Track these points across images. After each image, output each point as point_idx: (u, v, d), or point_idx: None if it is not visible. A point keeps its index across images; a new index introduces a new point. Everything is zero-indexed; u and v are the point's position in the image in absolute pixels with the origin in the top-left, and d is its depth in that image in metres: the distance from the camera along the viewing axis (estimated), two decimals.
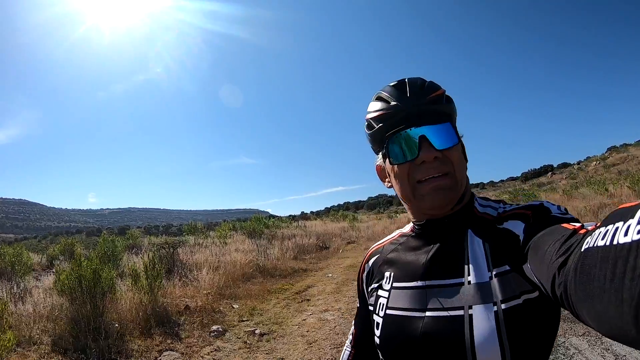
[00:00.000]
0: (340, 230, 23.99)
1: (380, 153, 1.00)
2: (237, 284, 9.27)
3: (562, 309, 0.73)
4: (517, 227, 0.82)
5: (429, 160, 0.88)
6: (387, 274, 1.04)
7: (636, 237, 0.40)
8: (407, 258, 1.01)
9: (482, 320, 0.78)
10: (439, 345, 0.83)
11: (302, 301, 8.00)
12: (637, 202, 0.45)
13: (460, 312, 0.82)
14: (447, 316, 0.84)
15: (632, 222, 0.42)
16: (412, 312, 0.91)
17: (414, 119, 0.91)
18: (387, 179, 1.03)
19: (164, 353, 4.99)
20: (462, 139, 0.98)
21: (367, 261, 1.17)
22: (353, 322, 1.26)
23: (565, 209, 0.82)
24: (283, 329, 6.16)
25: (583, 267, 0.49)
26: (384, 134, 0.95)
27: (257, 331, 5.93)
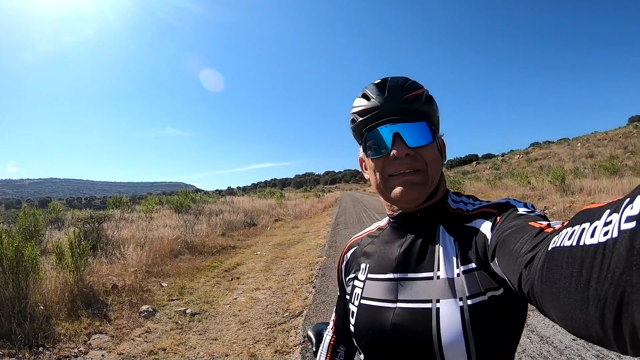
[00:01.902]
0: (268, 208, 24.08)
1: (361, 146, 1.06)
2: (165, 261, 9.05)
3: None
4: (484, 226, 0.85)
5: (400, 156, 0.93)
6: (363, 265, 1.08)
7: (602, 239, 0.41)
8: (382, 250, 1.06)
9: (448, 314, 0.82)
10: (408, 335, 0.87)
11: (232, 279, 7.97)
12: (603, 203, 0.46)
13: (429, 305, 0.86)
14: (416, 308, 0.88)
15: (599, 223, 0.43)
16: (384, 302, 0.95)
17: (391, 115, 0.96)
18: (366, 171, 1.08)
19: (93, 336, 4.78)
20: (442, 137, 1.05)
21: (346, 252, 1.22)
22: (334, 309, 1.32)
23: (532, 206, 0.84)
24: (214, 308, 6.11)
25: (549, 266, 0.50)
26: (362, 129, 1.01)
27: (188, 311, 5.83)
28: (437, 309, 0.84)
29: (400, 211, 1.03)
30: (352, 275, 1.12)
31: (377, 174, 0.99)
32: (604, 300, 0.39)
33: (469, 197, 1.04)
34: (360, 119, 1.00)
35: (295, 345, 4.50)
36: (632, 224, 0.37)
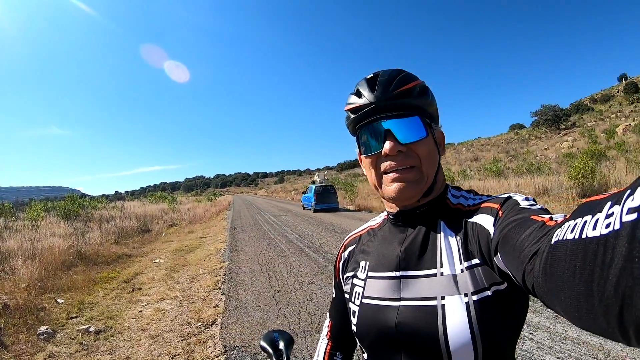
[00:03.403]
0: (161, 212, 23.28)
1: (356, 143, 1.04)
2: (58, 274, 8.38)
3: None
4: (486, 221, 0.84)
5: (392, 153, 0.92)
6: (362, 263, 1.06)
7: (604, 231, 0.40)
8: (382, 248, 1.04)
9: (454, 311, 0.82)
10: (413, 333, 0.87)
11: (133, 290, 7.65)
12: (605, 195, 0.46)
13: (434, 303, 0.85)
14: (420, 306, 0.87)
15: (600, 216, 0.42)
16: (387, 301, 0.94)
17: (381, 112, 0.94)
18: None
19: None
20: (440, 129, 1.04)
21: (344, 250, 1.20)
22: (327, 314, 1.28)
23: (534, 199, 0.83)
24: (120, 323, 5.81)
25: (553, 260, 0.50)
26: (355, 126, 1.00)
27: (91, 329, 5.48)
28: (443, 306, 0.84)
29: (399, 208, 1.02)
30: (350, 274, 1.10)
31: (372, 171, 0.98)
32: (607, 292, 0.39)
33: (469, 191, 1.03)
34: (353, 116, 0.99)
35: (217, 357, 4.45)
36: (634, 216, 0.37)
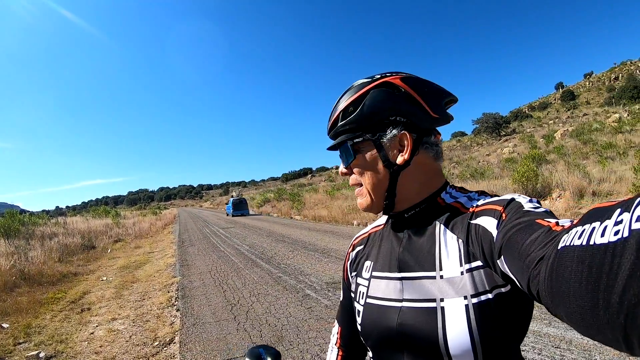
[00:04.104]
0: (105, 228, 22.50)
1: None
2: (1, 296, 7.99)
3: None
4: (489, 223, 0.82)
5: (342, 176, 1.07)
6: (367, 263, 1.08)
7: (613, 238, 0.40)
8: (385, 249, 1.05)
9: (453, 313, 0.82)
10: (414, 335, 0.87)
11: (82, 311, 7.36)
12: (614, 202, 0.45)
13: (433, 305, 0.85)
14: (421, 308, 0.87)
15: (609, 222, 0.42)
16: (389, 302, 0.95)
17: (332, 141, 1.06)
18: None
19: None
20: (399, 134, 0.95)
21: (352, 250, 1.21)
22: (336, 320, 1.26)
23: (538, 201, 0.82)
24: (71, 347, 5.58)
25: (559, 266, 0.49)
26: None
27: (41, 354, 5.25)
28: (442, 308, 0.84)
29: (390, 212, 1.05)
30: (356, 273, 1.13)
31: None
32: (613, 301, 0.39)
33: (478, 192, 0.99)
34: None
35: None
36: None
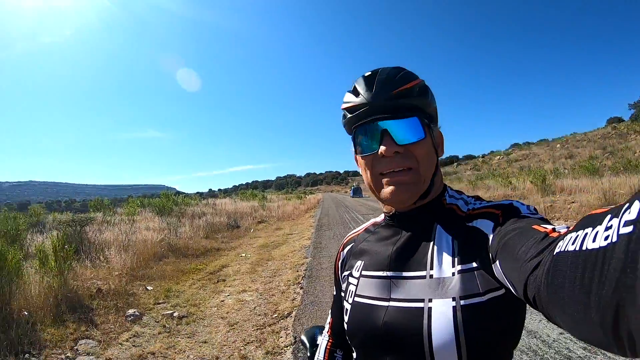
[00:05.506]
0: (251, 210, 24.01)
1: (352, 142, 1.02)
2: (150, 264, 8.91)
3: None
4: (486, 226, 0.82)
5: (388, 154, 0.89)
6: (358, 262, 1.06)
7: (603, 243, 0.41)
8: (376, 248, 1.03)
9: (440, 314, 0.80)
10: (399, 334, 0.85)
11: (217, 282, 7.90)
12: (606, 209, 0.47)
13: (421, 305, 0.84)
14: (408, 307, 0.86)
15: (600, 228, 0.43)
16: (377, 300, 0.93)
17: (379, 112, 0.91)
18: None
19: (80, 342, 4.65)
20: (439, 130, 1.01)
21: (343, 249, 1.20)
22: (330, 311, 1.28)
23: (535, 209, 0.83)
24: (202, 310, 6.04)
25: (554, 271, 0.50)
26: (352, 125, 0.98)
27: (175, 314, 5.75)
28: (429, 309, 0.82)
29: (395, 209, 1.01)
30: (347, 272, 1.10)
31: (368, 172, 0.96)
32: (603, 303, 0.40)
33: (471, 197, 1.01)
34: (350, 115, 0.96)
35: (287, 346, 4.47)
36: (630, 228, 0.38)
